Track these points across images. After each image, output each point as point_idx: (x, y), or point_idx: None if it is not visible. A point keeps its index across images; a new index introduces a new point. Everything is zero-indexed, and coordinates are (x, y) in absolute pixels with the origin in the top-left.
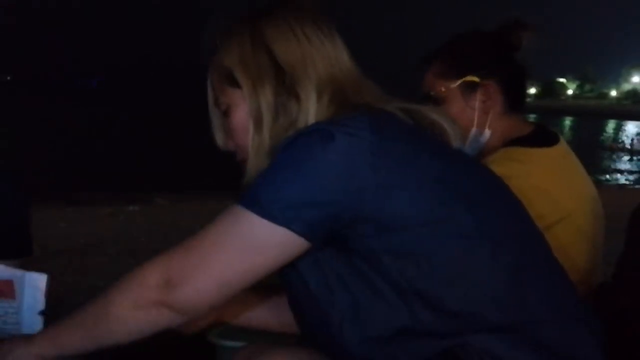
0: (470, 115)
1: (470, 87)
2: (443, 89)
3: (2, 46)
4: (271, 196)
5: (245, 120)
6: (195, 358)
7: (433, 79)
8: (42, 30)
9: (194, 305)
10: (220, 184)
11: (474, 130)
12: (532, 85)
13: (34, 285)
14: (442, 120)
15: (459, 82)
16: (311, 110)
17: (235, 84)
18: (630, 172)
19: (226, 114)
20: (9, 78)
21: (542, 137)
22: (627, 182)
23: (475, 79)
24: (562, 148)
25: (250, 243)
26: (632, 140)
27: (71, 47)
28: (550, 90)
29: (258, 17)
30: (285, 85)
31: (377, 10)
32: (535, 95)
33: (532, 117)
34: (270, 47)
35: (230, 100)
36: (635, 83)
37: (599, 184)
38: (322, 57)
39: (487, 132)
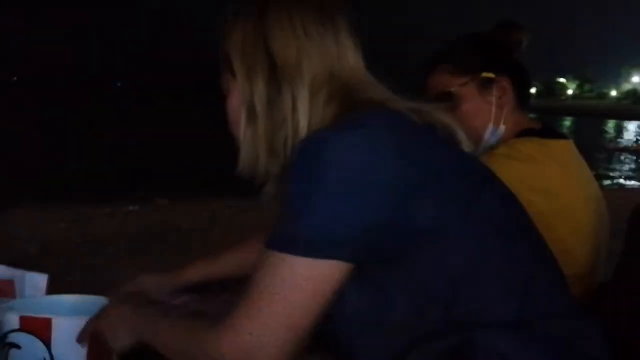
0: (488, 111)
1: (486, 83)
2: (459, 86)
3: (7, 48)
4: (306, 231)
5: (238, 111)
6: None
7: (448, 77)
8: (42, 30)
9: None
10: (220, 184)
11: (491, 126)
12: (532, 85)
13: (35, 285)
14: (452, 124)
15: (475, 78)
16: (301, 108)
17: (232, 71)
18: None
19: (224, 99)
20: (15, 79)
21: (553, 132)
22: (628, 183)
23: (491, 74)
24: (572, 144)
25: (304, 287)
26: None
27: (72, 47)
28: (550, 90)
29: (266, 2)
30: (277, 79)
31: (377, 10)
32: (535, 95)
33: (532, 117)
34: (267, 38)
35: (227, 86)
36: (635, 83)
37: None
38: (320, 53)
39: (502, 127)
